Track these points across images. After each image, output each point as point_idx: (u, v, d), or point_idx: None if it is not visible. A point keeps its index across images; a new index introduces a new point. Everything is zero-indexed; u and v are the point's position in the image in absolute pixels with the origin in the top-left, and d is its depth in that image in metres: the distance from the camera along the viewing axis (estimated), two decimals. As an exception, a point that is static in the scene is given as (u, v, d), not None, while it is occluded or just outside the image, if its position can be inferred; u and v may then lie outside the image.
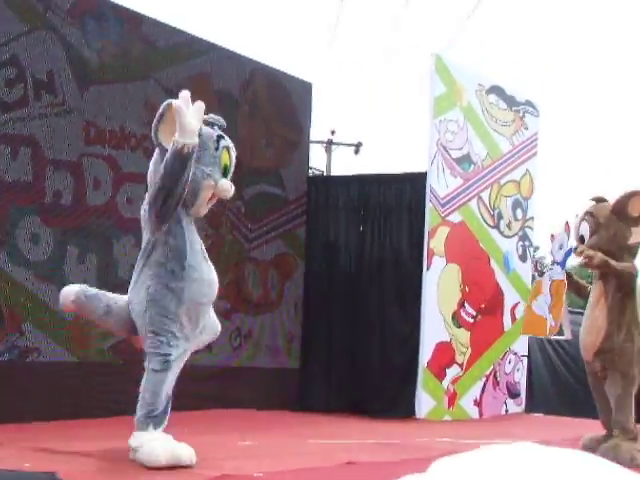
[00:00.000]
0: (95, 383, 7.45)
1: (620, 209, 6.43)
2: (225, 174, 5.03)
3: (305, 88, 10.15)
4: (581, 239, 6.47)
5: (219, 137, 5.05)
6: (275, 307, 9.63)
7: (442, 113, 9.50)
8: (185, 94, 4.74)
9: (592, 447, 6.28)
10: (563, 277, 6.35)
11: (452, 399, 9.56)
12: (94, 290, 5.26)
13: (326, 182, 11.47)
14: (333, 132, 22.19)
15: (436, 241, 9.36)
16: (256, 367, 9.22)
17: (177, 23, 8.67)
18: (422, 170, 9.50)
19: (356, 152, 22.24)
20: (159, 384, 4.79)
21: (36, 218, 7.18)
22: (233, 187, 5.06)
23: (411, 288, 9.33)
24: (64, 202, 7.40)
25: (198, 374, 7.30)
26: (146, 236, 5.15)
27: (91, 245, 7.61)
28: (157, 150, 5.04)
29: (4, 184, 6.93)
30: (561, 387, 12.40)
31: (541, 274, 6.40)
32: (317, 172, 18.49)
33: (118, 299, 5.20)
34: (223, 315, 7.00)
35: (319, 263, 9.99)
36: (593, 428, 7.10)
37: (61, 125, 7.37)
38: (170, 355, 4.84)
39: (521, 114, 10.78)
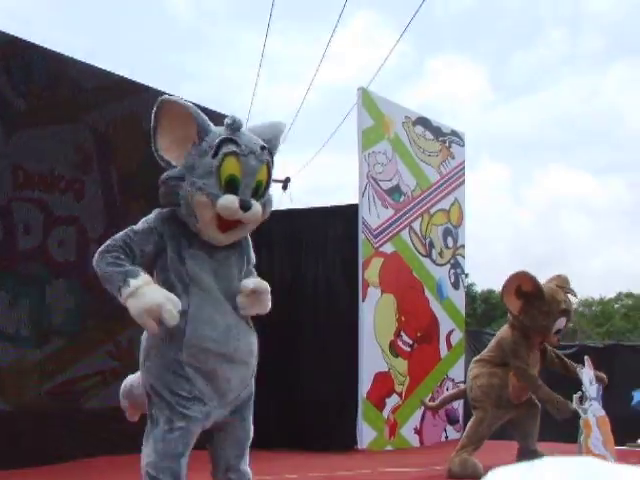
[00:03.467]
0: (30, 431, 7.30)
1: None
2: (233, 188, 3.68)
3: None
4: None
5: (223, 141, 3.71)
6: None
7: (370, 146, 9.63)
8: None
9: None
10: (604, 413, 6.75)
11: (393, 429, 9.60)
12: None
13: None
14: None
15: (370, 272, 9.44)
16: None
17: (104, 64, 8.66)
18: (353, 202, 9.60)
19: (284, 187, 22.30)
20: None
21: (-34, 265, 7.08)
22: (254, 207, 3.73)
23: (347, 320, 9.36)
24: (-6, 248, 7.29)
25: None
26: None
27: (22, 290, 7.50)
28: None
29: None
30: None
31: (585, 411, 6.60)
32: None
33: None
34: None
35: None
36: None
37: (-11, 170, 7.28)
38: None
39: (447, 144, 10.98)
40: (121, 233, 3.82)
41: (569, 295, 7.41)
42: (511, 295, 7.17)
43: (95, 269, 3.68)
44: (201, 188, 3.65)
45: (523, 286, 7.15)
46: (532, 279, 7.17)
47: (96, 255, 3.70)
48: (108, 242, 3.79)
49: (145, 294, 3.54)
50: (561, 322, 7.20)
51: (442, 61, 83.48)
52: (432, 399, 10.14)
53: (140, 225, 3.86)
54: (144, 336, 3.88)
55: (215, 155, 3.69)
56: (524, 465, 0.85)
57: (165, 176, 3.87)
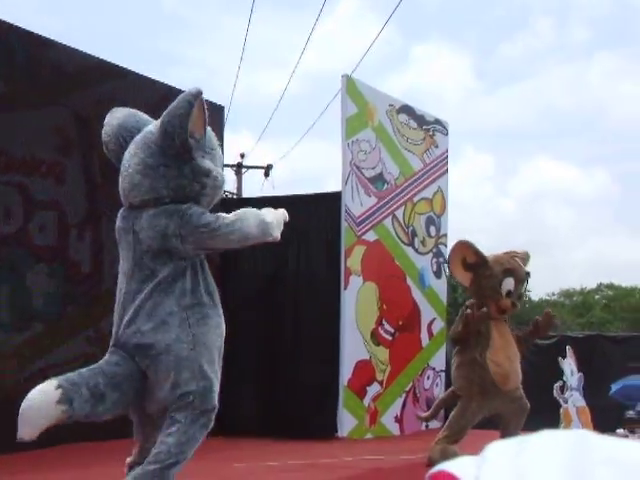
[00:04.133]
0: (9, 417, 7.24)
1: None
2: None
3: (217, 111, 10.14)
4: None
5: None
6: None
7: (354, 133, 9.60)
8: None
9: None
10: (584, 403, 6.72)
11: (373, 417, 9.61)
12: (72, 375, 3.85)
13: (240, 204, 11.41)
14: (243, 155, 22.24)
15: (353, 260, 9.43)
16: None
17: (86, 47, 8.59)
18: (336, 190, 9.57)
19: (266, 175, 22.24)
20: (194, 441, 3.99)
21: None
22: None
23: (329, 308, 9.35)
24: (-27, 232, 7.23)
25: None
26: (164, 260, 4.00)
27: (2, 275, 7.44)
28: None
29: None
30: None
31: (565, 401, 6.58)
32: (229, 195, 18.42)
33: (108, 367, 3.94)
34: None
35: (235, 286, 9.93)
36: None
37: (-31, 153, 7.21)
38: (215, 406, 4.06)
39: (431, 132, 10.96)
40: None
41: (518, 259, 7.36)
42: (459, 269, 7.21)
43: (231, 232, 4.03)
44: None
45: (467, 258, 7.18)
46: (471, 247, 7.22)
47: (220, 227, 4.00)
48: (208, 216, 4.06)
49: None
50: (509, 282, 7.12)
51: (428, 49, 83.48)
52: (412, 388, 10.18)
53: None
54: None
55: None
56: (521, 438, 0.83)
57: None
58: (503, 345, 7.19)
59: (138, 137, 4.15)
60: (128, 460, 4.18)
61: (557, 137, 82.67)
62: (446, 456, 6.80)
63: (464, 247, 7.23)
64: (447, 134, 11.30)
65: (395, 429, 9.94)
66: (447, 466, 0.84)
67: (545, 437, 0.83)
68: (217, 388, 4.02)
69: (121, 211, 4.24)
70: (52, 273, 7.86)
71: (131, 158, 4.09)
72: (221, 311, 4.12)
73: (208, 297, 4.05)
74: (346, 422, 9.23)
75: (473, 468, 0.82)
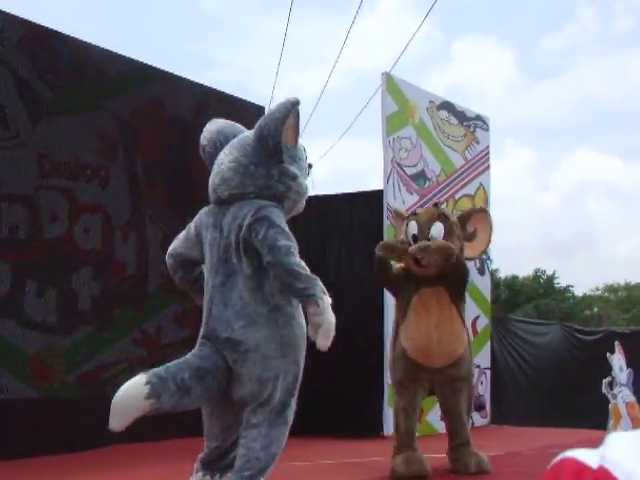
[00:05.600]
0: (59, 418, 7.35)
1: (462, 222, 6.70)
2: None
3: (258, 112, 10.17)
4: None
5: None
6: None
7: (395, 131, 9.58)
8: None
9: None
10: (634, 399, 6.49)
11: (419, 415, 9.56)
12: (160, 369, 3.98)
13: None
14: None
15: (395, 258, 9.38)
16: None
17: (127, 51, 8.67)
18: (377, 188, 9.56)
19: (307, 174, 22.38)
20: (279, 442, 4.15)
21: (-8, 253, 7.11)
22: None
23: (372, 306, 9.34)
24: (20, 236, 7.33)
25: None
26: (249, 255, 4.06)
27: (49, 278, 7.53)
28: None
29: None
30: (525, 398, 12.51)
31: (614, 397, 6.47)
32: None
33: (194, 360, 4.08)
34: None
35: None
36: (559, 437, 7.17)
37: (14, 159, 7.32)
38: (292, 406, 4.25)
39: (472, 129, 10.90)
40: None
41: (439, 206, 6.93)
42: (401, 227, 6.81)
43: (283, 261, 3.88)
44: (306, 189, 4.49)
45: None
46: (397, 212, 6.99)
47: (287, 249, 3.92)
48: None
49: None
50: (412, 226, 6.49)
51: (469, 44, 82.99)
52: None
53: None
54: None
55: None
56: None
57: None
58: (423, 314, 6.48)
59: (235, 140, 4.37)
60: (200, 456, 4.29)
61: (599, 129, 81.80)
62: (412, 465, 6.19)
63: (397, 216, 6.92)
64: (488, 130, 11.23)
65: (441, 427, 9.85)
66: (569, 453, 0.86)
67: None
68: (297, 388, 4.19)
69: (206, 208, 4.39)
70: (97, 276, 7.95)
71: (225, 157, 4.29)
72: (302, 312, 4.17)
73: (291, 298, 4.10)
74: (391, 420, 9.18)
75: (595, 454, 0.83)
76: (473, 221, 6.75)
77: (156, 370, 3.92)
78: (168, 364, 4.01)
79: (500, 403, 11.80)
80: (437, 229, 6.39)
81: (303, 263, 3.91)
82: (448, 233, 6.42)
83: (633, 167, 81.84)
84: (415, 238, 6.40)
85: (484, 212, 7.12)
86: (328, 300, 3.83)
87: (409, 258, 6.36)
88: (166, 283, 8.27)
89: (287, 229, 4.03)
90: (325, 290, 3.87)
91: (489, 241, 6.83)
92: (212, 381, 4.02)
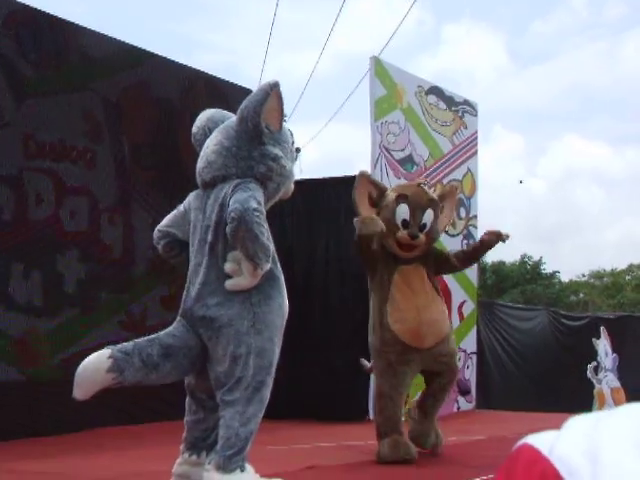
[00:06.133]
0: (44, 401, 7.32)
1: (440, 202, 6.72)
2: None
3: (246, 95, 10.10)
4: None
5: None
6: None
7: (383, 115, 9.55)
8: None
9: None
10: (618, 384, 6.45)
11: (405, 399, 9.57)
12: (127, 344, 4.13)
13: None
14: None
15: (382, 242, 9.37)
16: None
17: (114, 33, 8.60)
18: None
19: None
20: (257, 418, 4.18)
21: (-23, 235, 7.06)
22: None
23: (359, 290, 9.31)
24: (5, 218, 7.27)
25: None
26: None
27: (35, 261, 7.48)
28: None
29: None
30: (511, 383, 12.56)
31: (599, 382, 6.45)
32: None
33: (164, 338, 4.17)
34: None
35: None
36: (544, 421, 7.19)
37: (-1, 139, 7.25)
38: (268, 383, 4.26)
39: (460, 114, 10.89)
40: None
41: (425, 186, 6.74)
42: (365, 206, 6.49)
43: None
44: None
45: (372, 192, 6.56)
46: (372, 180, 6.72)
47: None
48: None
49: None
50: (402, 210, 6.38)
51: (459, 29, 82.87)
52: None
53: None
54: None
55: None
56: (603, 412, 0.82)
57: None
58: (408, 294, 6.45)
59: (221, 125, 4.49)
60: (184, 435, 4.36)
61: (588, 116, 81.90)
62: (397, 449, 6.17)
63: (366, 181, 6.58)
64: (476, 115, 11.22)
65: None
66: (529, 439, 0.84)
67: (627, 411, 0.81)
68: (273, 366, 4.23)
69: (195, 192, 4.52)
70: (83, 258, 7.90)
71: (210, 141, 4.43)
72: (285, 292, 4.33)
73: (272, 279, 4.22)
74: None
75: (551, 440, 0.81)
76: (443, 197, 6.85)
77: (124, 345, 4.03)
78: (138, 339, 4.11)
79: (486, 388, 11.84)
80: (429, 216, 6.43)
81: (265, 229, 4.06)
82: (436, 217, 6.52)
83: (621, 154, 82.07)
84: (405, 223, 6.37)
85: (452, 188, 7.27)
86: (265, 269, 4.06)
87: (392, 241, 6.38)
88: (152, 266, 8.27)
89: (262, 200, 4.11)
90: (274, 259, 4.17)
91: (452, 216, 7.08)
92: (183, 359, 4.09)
